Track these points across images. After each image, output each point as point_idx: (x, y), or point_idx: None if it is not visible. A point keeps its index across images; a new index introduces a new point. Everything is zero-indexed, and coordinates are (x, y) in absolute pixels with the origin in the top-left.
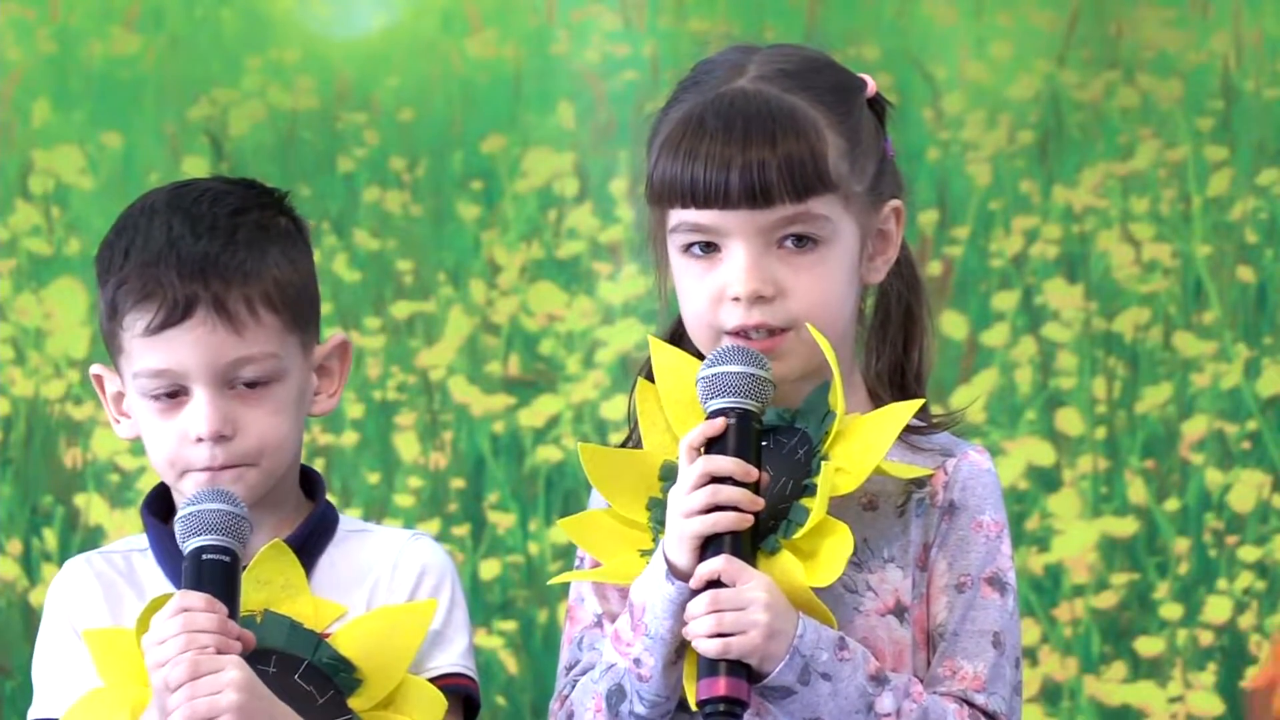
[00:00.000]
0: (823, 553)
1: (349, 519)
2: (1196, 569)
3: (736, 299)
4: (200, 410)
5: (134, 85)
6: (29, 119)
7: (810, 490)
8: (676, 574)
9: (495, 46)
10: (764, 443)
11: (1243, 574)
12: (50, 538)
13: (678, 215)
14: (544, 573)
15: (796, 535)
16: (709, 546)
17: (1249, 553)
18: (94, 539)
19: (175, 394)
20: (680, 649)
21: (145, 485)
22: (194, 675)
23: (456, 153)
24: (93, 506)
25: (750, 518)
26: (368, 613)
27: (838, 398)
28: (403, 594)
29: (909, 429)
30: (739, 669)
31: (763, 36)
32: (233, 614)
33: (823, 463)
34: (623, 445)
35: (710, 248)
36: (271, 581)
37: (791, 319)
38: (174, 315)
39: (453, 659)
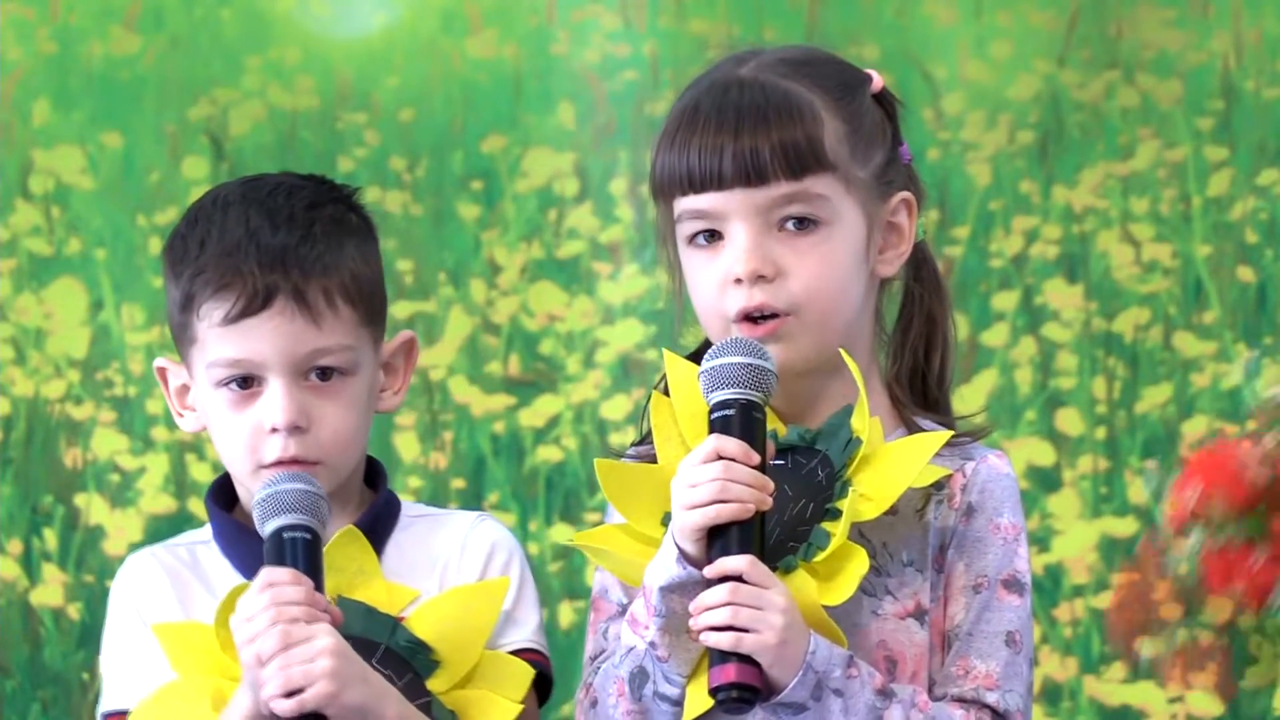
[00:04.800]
0: (839, 575)
1: (411, 504)
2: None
3: (739, 281)
4: (276, 401)
5: (134, 85)
6: (29, 119)
7: (831, 514)
8: (688, 560)
9: (495, 46)
10: (782, 461)
11: None
12: (50, 538)
13: (680, 204)
14: (544, 573)
15: (816, 559)
16: (715, 537)
17: None
18: (94, 539)
19: (249, 384)
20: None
21: (145, 485)
22: (286, 645)
23: (456, 153)
24: (93, 506)
25: (751, 508)
26: (441, 594)
27: (863, 423)
28: (473, 574)
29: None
30: (749, 658)
31: (762, 37)
32: (318, 590)
33: (845, 491)
34: (636, 444)
35: (714, 236)
36: (344, 568)
37: (793, 301)
38: (253, 305)
39: (526, 635)
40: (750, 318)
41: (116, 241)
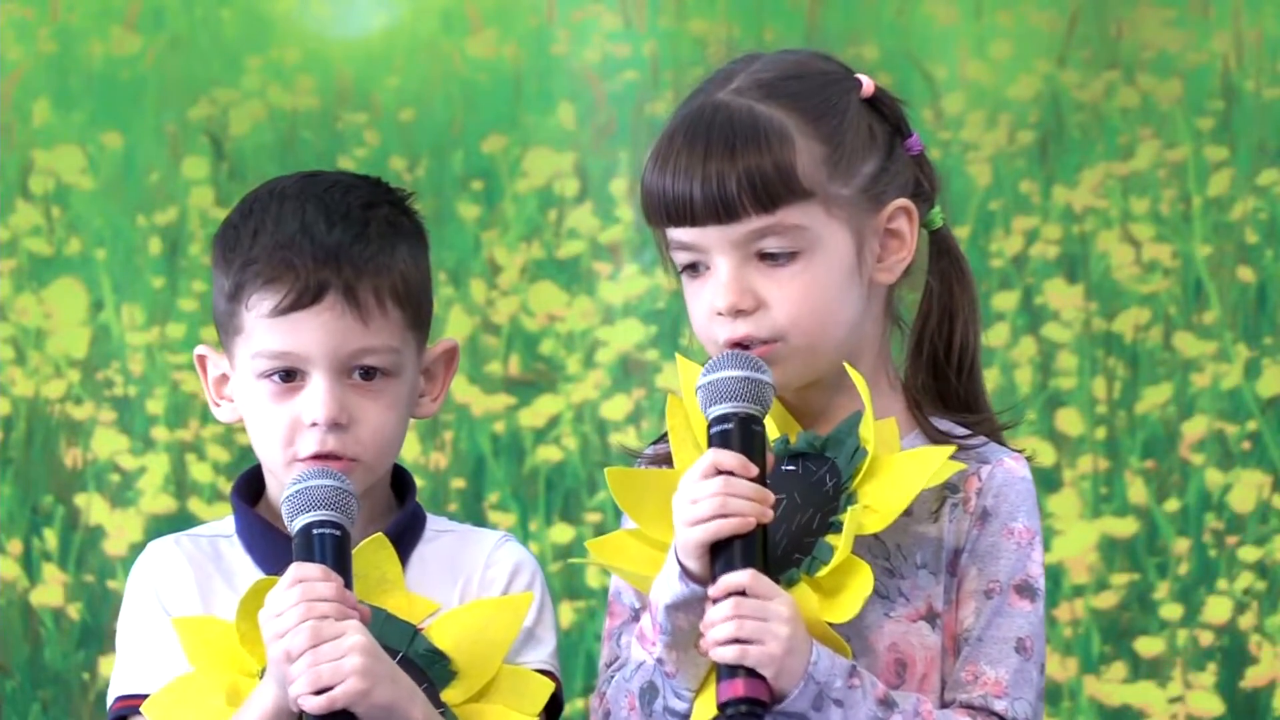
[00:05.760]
0: (843, 590)
1: (435, 518)
2: (1196, 569)
3: (721, 313)
4: (318, 395)
5: (134, 85)
6: (29, 119)
7: (836, 527)
8: (690, 577)
9: (495, 46)
10: (793, 467)
11: (1243, 574)
12: (50, 538)
13: (668, 233)
14: (545, 573)
15: (820, 573)
16: (718, 552)
17: (1249, 553)
18: (94, 539)
19: (292, 378)
20: (698, 643)
21: (145, 485)
22: (316, 642)
23: (456, 153)
24: (93, 506)
25: (752, 521)
26: (462, 606)
27: (870, 433)
28: (496, 591)
29: (950, 435)
30: (756, 672)
31: (763, 37)
32: (346, 587)
33: (850, 503)
34: (653, 444)
35: (701, 265)
36: (368, 575)
37: (777, 330)
38: (304, 298)
39: (543, 657)
40: (739, 345)
41: (116, 241)
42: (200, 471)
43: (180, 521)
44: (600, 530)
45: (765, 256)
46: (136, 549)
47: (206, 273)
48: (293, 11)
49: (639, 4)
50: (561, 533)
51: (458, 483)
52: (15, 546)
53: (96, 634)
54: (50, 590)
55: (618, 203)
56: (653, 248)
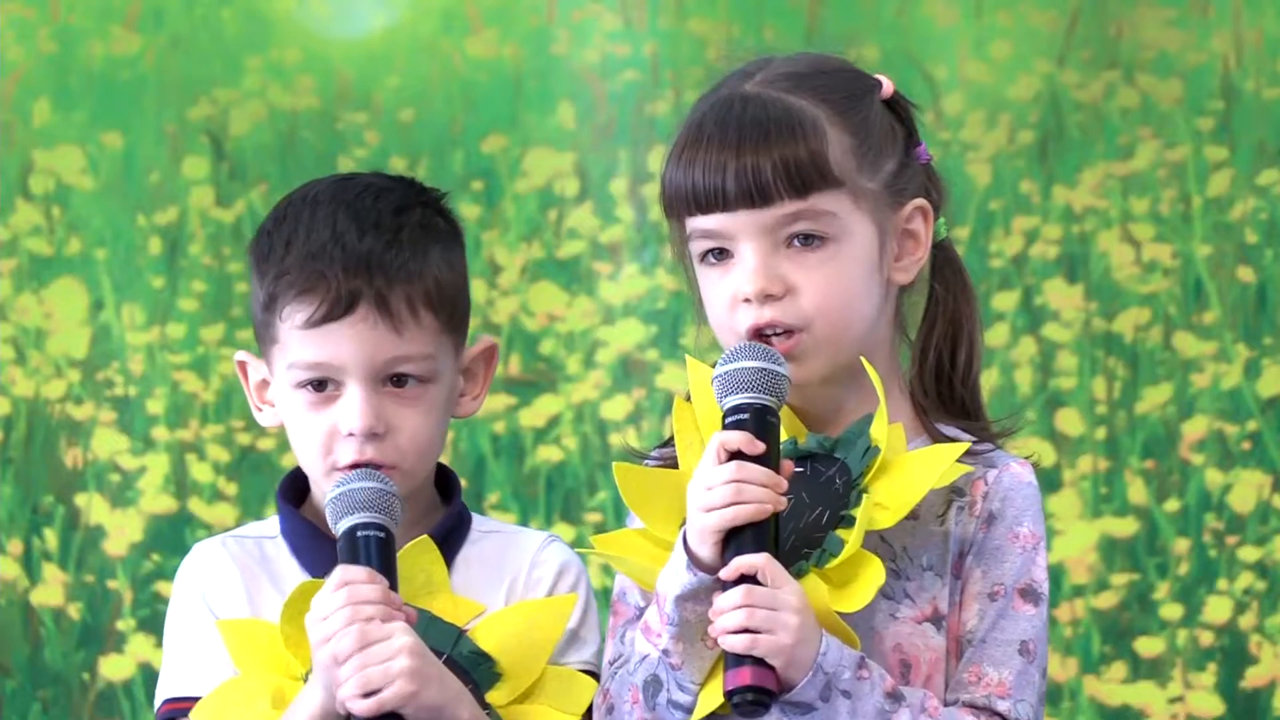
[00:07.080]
0: (854, 582)
1: (481, 519)
2: (1196, 569)
3: (748, 300)
4: (354, 406)
5: (134, 85)
6: (29, 119)
7: (846, 522)
8: (699, 565)
9: (495, 46)
10: (801, 469)
11: (1243, 574)
12: (50, 538)
13: (689, 224)
14: None
15: (829, 565)
16: (730, 540)
17: (1249, 553)
18: (94, 539)
19: (327, 387)
20: (705, 634)
21: (145, 485)
22: (363, 644)
23: (456, 153)
24: (93, 506)
25: (768, 508)
26: (507, 607)
27: (882, 432)
28: (542, 592)
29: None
30: (764, 661)
31: (763, 37)
32: (392, 588)
33: (863, 496)
34: (659, 447)
35: (725, 254)
36: (413, 578)
37: (804, 317)
38: (336, 310)
39: (586, 657)
40: (762, 334)
41: (116, 241)
42: (200, 471)
43: (180, 521)
44: (600, 530)
45: (794, 243)
46: (136, 549)
47: (207, 272)
48: (293, 11)
49: (639, 4)
50: (562, 533)
51: None
52: (15, 546)
53: (96, 634)
54: (50, 590)
55: (618, 203)
56: (653, 247)
